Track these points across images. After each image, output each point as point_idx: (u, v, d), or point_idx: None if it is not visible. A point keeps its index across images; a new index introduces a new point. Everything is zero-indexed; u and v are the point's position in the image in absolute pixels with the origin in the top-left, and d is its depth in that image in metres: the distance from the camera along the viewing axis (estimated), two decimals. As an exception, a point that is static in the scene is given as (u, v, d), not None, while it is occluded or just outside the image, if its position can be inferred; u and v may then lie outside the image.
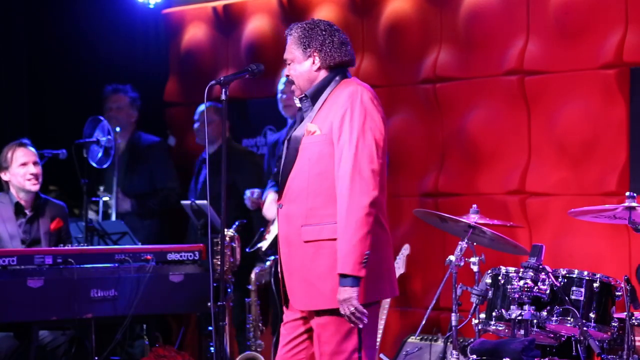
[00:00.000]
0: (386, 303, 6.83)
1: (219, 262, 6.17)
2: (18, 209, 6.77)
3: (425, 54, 7.52)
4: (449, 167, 7.42)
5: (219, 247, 5.72)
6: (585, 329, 5.36)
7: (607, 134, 6.68)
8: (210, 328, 6.41)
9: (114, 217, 8.01)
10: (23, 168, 6.73)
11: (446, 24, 7.43)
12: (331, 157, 4.52)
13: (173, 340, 8.24)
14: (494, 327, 5.59)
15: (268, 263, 7.10)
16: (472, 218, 5.76)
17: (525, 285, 5.31)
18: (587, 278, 5.48)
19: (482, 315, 5.61)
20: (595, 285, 5.46)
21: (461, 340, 6.04)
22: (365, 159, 4.45)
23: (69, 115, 8.18)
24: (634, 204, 5.35)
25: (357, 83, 4.62)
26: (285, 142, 4.69)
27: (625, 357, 5.35)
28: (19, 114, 8.54)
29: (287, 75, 4.73)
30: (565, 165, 6.87)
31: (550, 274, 5.37)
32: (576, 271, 5.52)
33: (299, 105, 4.71)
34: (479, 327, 5.63)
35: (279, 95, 7.49)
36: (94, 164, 7.30)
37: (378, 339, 6.59)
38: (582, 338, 5.44)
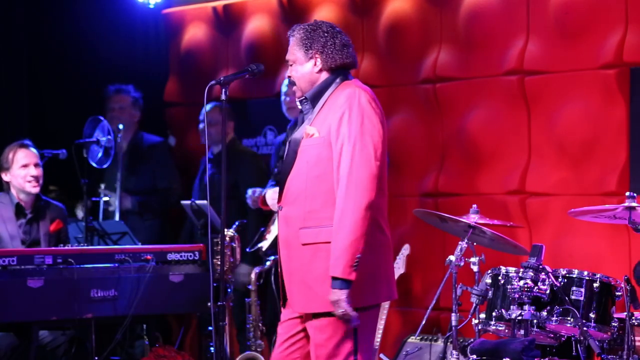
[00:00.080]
0: (386, 303, 6.82)
1: (219, 262, 6.17)
2: (18, 210, 6.77)
3: (425, 54, 7.52)
4: (449, 167, 7.42)
5: (219, 247, 5.72)
6: (585, 329, 5.36)
7: (607, 134, 6.68)
8: (210, 328, 6.41)
9: (117, 216, 8.01)
10: (24, 170, 6.73)
11: (446, 24, 7.43)
12: (329, 159, 4.52)
13: (173, 340, 8.24)
14: (494, 327, 5.59)
15: (268, 263, 7.10)
16: (472, 218, 5.76)
17: (525, 285, 5.31)
18: (587, 278, 5.48)
19: (482, 315, 5.61)
20: (595, 285, 5.46)
21: (461, 340, 6.04)
22: (363, 161, 4.44)
23: (69, 115, 8.18)
24: (634, 204, 5.35)
25: (355, 85, 4.61)
26: (287, 143, 4.70)
27: (625, 357, 5.35)
28: (19, 114, 8.54)
29: (289, 76, 4.73)
30: (565, 165, 6.87)
31: (550, 274, 5.37)
32: (576, 271, 5.52)
33: (300, 107, 4.72)
34: (479, 327, 5.63)
35: (283, 97, 7.48)
36: (94, 164, 7.30)
37: (378, 339, 6.61)
38: (582, 338, 5.44)
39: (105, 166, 7.35)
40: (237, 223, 7.01)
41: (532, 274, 5.33)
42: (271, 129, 8.43)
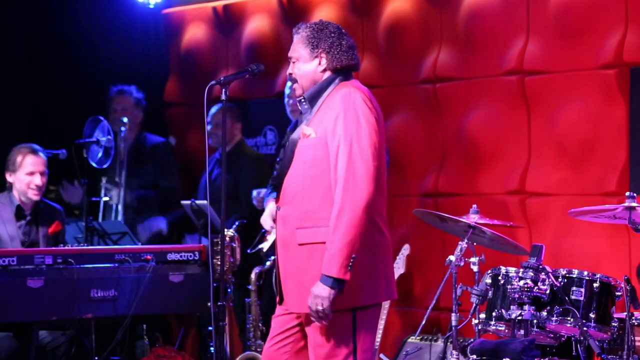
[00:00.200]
0: (386, 303, 6.81)
1: (219, 262, 6.17)
2: (18, 212, 6.78)
3: (425, 54, 7.52)
4: (449, 167, 7.42)
5: (219, 247, 5.72)
6: (585, 329, 5.36)
7: (607, 134, 6.68)
8: (210, 328, 6.41)
9: (119, 212, 8.00)
10: (29, 177, 6.73)
11: (446, 24, 7.43)
12: (326, 160, 4.51)
13: (173, 340, 8.23)
14: (494, 327, 5.59)
15: (268, 263, 7.10)
16: (472, 218, 5.76)
17: (525, 285, 5.31)
18: (587, 278, 5.48)
19: (482, 315, 5.60)
20: (595, 285, 5.46)
21: (461, 340, 6.04)
22: (359, 161, 4.43)
23: (69, 115, 8.17)
24: (634, 204, 5.35)
25: (351, 85, 4.59)
26: (285, 144, 4.70)
27: (625, 357, 5.35)
28: (19, 114, 8.54)
29: (290, 74, 4.72)
30: (565, 165, 6.87)
31: (550, 274, 5.37)
32: (576, 271, 5.52)
33: (299, 107, 4.72)
34: (479, 327, 5.63)
35: (286, 99, 7.46)
36: (94, 164, 7.30)
37: (378, 339, 6.60)
38: (582, 338, 5.43)
39: (105, 166, 7.35)
40: (237, 223, 7.02)
41: (532, 274, 5.32)
42: (271, 129, 8.43)
